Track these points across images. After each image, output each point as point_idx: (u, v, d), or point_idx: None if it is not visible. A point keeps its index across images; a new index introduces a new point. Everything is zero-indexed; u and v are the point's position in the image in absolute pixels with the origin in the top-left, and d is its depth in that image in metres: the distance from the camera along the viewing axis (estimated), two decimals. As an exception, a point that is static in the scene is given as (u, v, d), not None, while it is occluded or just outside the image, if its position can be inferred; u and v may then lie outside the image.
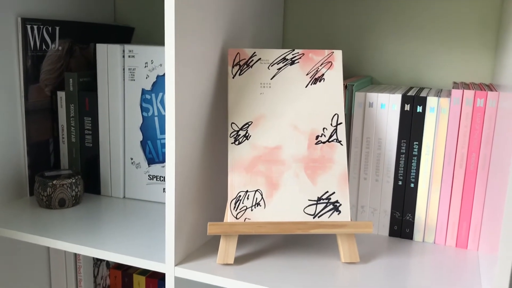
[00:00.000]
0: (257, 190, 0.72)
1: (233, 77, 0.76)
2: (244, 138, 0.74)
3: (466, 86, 0.83)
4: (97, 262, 1.09)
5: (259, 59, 0.77)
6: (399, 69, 0.98)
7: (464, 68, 0.94)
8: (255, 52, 0.77)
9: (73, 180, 0.92)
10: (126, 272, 1.09)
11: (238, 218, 0.71)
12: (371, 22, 0.99)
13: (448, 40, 0.94)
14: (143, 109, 0.94)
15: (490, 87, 0.81)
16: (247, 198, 0.72)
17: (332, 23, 1.02)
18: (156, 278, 1.06)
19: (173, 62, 0.65)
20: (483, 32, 0.92)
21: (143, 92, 0.93)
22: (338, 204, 0.73)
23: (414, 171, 0.80)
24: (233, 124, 0.75)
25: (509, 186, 0.53)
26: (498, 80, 0.78)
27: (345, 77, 1.02)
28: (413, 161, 0.80)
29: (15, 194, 0.96)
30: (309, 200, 0.73)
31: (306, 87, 0.76)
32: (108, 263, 1.12)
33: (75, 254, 1.05)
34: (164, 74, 0.91)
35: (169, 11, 0.64)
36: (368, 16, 0.99)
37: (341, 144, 0.75)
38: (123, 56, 0.94)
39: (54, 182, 0.90)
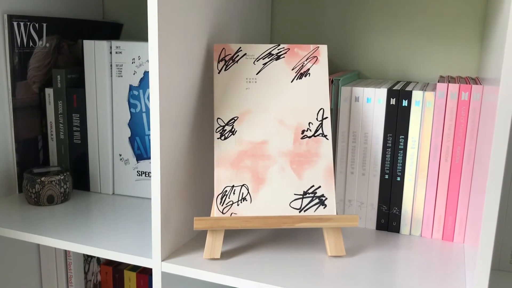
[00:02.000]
0: (243, 185, 0.73)
1: (218, 73, 0.76)
2: (230, 133, 0.74)
3: (452, 79, 0.83)
4: (88, 258, 1.09)
5: (245, 54, 0.77)
6: (386, 63, 0.98)
7: (451, 62, 0.94)
8: (240, 47, 0.77)
9: (62, 177, 0.92)
10: (116, 268, 1.09)
11: (224, 213, 0.72)
12: (358, 17, 0.99)
13: (435, 34, 0.95)
14: (131, 105, 0.94)
15: (476, 81, 0.82)
16: (233, 193, 0.72)
17: (319, 18, 1.02)
18: (146, 274, 1.06)
19: (157, 57, 0.65)
20: (469, 26, 0.92)
21: (131, 88, 0.93)
22: (324, 198, 0.73)
23: (400, 165, 0.80)
24: (219, 120, 0.75)
25: (489, 179, 0.53)
26: (484, 73, 0.78)
27: (333, 72, 1.02)
28: (399, 155, 0.80)
29: (4, 191, 0.96)
30: (295, 194, 0.73)
31: (291, 82, 0.77)
32: (98, 259, 1.12)
33: (65, 251, 1.05)
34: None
35: (152, 6, 0.64)
36: (355, 11, 0.99)
37: (327, 139, 0.75)
38: (111, 52, 0.93)
39: (43, 179, 0.90)
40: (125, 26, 1.18)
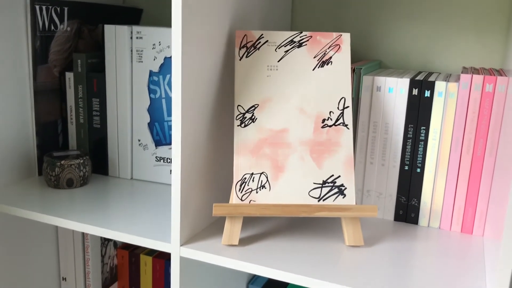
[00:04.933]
0: (262, 173, 0.73)
1: (240, 59, 0.76)
2: (250, 121, 0.74)
3: (475, 71, 0.82)
4: (105, 242, 1.11)
5: (267, 41, 0.77)
6: (409, 53, 0.97)
7: (475, 53, 0.93)
8: (262, 34, 0.77)
9: (81, 161, 0.93)
10: (133, 252, 1.10)
11: (243, 200, 0.72)
12: (380, 5, 0.98)
13: (458, 25, 0.93)
14: (150, 91, 0.94)
15: (500, 72, 0.80)
16: (253, 181, 0.72)
17: (341, 7, 1.01)
18: (162, 258, 1.07)
19: (180, 44, 0.65)
20: (494, 17, 0.91)
21: (151, 73, 0.93)
22: (343, 188, 0.73)
23: (421, 156, 0.80)
24: (239, 107, 0.75)
25: (514, 172, 0.52)
26: (509, 65, 0.77)
27: (354, 61, 1.01)
28: (420, 146, 0.79)
29: (24, 173, 0.97)
30: (314, 183, 0.73)
31: (313, 70, 0.76)
32: (115, 243, 1.13)
33: (83, 234, 1.06)
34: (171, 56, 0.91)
35: (176, -8, 0.64)
36: (378, 0, 0.98)
37: (348, 128, 0.74)
38: (131, 38, 0.93)
39: (62, 162, 0.91)
40: (144, 11, 1.18)
